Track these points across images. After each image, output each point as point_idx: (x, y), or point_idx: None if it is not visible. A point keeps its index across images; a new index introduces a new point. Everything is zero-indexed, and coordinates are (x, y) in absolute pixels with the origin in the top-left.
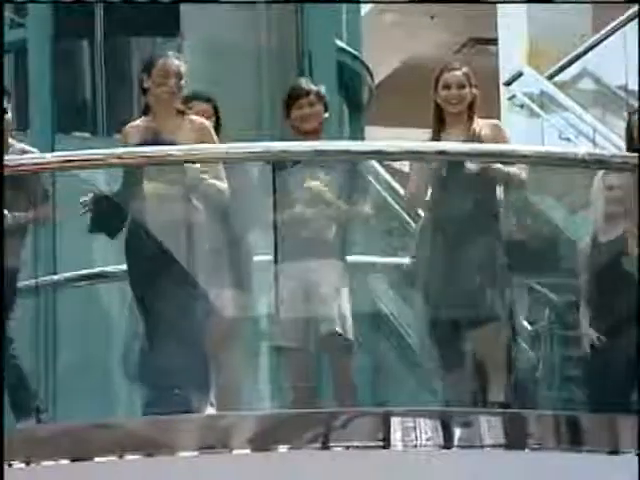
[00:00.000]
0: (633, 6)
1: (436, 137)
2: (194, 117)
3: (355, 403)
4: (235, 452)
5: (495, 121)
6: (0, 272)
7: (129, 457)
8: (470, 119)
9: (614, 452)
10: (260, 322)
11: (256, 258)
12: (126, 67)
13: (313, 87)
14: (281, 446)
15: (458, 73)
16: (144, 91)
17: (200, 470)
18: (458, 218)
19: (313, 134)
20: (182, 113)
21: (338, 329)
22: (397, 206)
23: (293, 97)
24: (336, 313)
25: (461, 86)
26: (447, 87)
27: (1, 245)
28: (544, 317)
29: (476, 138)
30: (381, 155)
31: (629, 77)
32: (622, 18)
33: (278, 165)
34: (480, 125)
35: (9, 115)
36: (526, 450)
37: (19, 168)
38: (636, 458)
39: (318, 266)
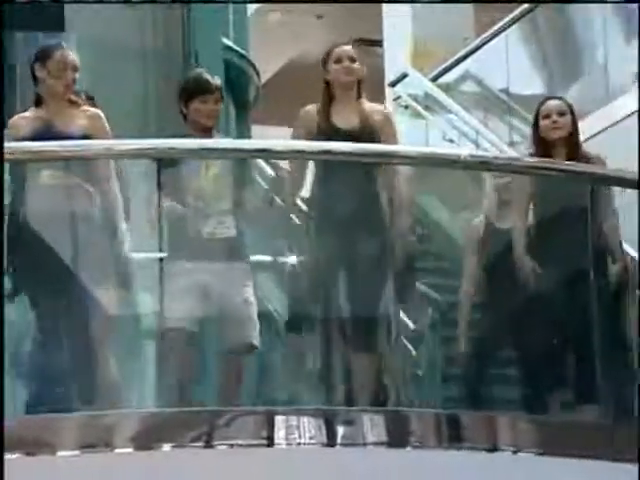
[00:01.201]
0: (515, 9)
1: (326, 115)
2: (88, 107)
3: (241, 402)
4: (117, 451)
5: (387, 110)
6: (0, 272)
7: (9, 456)
8: (359, 98)
9: (492, 450)
10: (145, 320)
11: (145, 255)
12: (9, 62)
13: (218, 83)
14: (164, 445)
15: (348, 48)
16: (35, 80)
17: (82, 469)
18: (341, 217)
19: (209, 131)
20: (75, 104)
21: (255, 341)
22: (283, 204)
23: (199, 90)
24: (250, 320)
25: (352, 59)
26: (339, 61)
27: (1, 245)
28: (427, 316)
29: (366, 120)
30: (268, 153)
31: (510, 80)
32: (504, 22)
33: (164, 162)
34: (371, 109)
35: None
36: (408, 448)
37: None
38: (512, 455)
39: (222, 267)
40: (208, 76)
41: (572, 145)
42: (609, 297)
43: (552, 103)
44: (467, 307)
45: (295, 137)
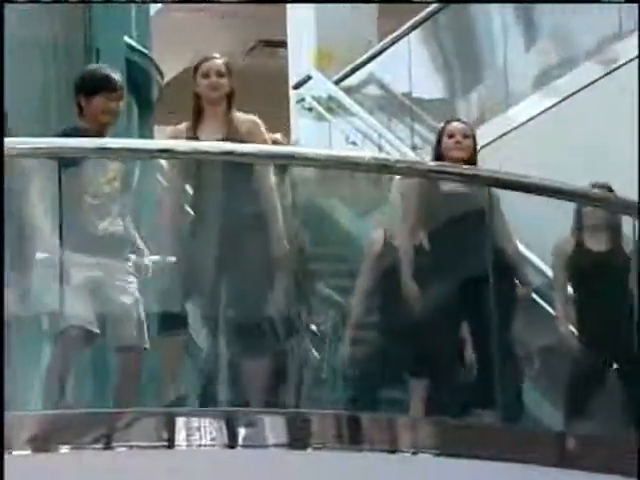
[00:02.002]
0: (416, 14)
1: (194, 129)
2: None
3: (139, 403)
4: (15, 453)
5: (253, 117)
6: (0, 273)
7: None
8: (228, 111)
9: (392, 451)
10: (44, 320)
11: (45, 255)
12: None
13: (121, 82)
14: (63, 447)
15: (218, 62)
16: None
17: None
18: (220, 218)
19: (107, 128)
20: None
21: (143, 341)
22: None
23: (105, 86)
24: (135, 321)
25: (220, 74)
26: (206, 76)
27: (1, 246)
28: (329, 318)
29: (234, 131)
30: (170, 154)
31: (413, 84)
32: (406, 26)
33: (64, 161)
34: (239, 119)
35: None
36: (308, 449)
37: None
38: (412, 456)
39: (113, 263)
40: (113, 73)
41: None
42: (506, 302)
43: (457, 124)
44: (357, 314)
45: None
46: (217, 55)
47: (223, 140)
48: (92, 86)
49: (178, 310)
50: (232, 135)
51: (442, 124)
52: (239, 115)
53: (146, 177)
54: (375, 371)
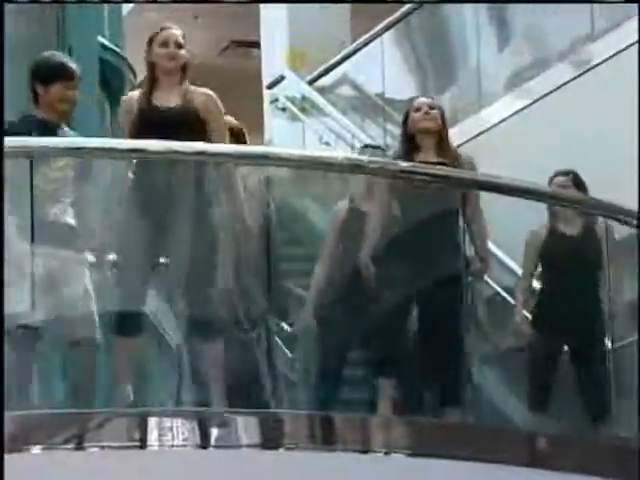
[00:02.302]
0: (390, 15)
1: (147, 96)
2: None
3: (110, 404)
4: None
5: (209, 91)
6: (0, 274)
7: None
8: (182, 81)
9: (365, 451)
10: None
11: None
12: None
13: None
14: (34, 447)
15: (177, 32)
16: None
17: None
18: (160, 213)
19: (65, 117)
20: None
21: (98, 336)
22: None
23: (65, 75)
24: (91, 314)
25: (179, 45)
26: (164, 45)
27: (1, 246)
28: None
29: (189, 101)
30: (142, 153)
31: (386, 85)
32: (380, 26)
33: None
34: (195, 90)
35: None
36: (281, 450)
37: None
38: (384, 456)
39: (65, 255)
40: (68, 61)
41: (441, 143)
42: (475, 301)
43: (423, 98)
44: (315, 295)
45: (120, 123)
46: (174, 25)
47: (180, 106)
48: (49, 74)
49: (149, 309)
50: (187, 106)
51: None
52: (193, 87)
53: (106, 172)
54: (340, 370)
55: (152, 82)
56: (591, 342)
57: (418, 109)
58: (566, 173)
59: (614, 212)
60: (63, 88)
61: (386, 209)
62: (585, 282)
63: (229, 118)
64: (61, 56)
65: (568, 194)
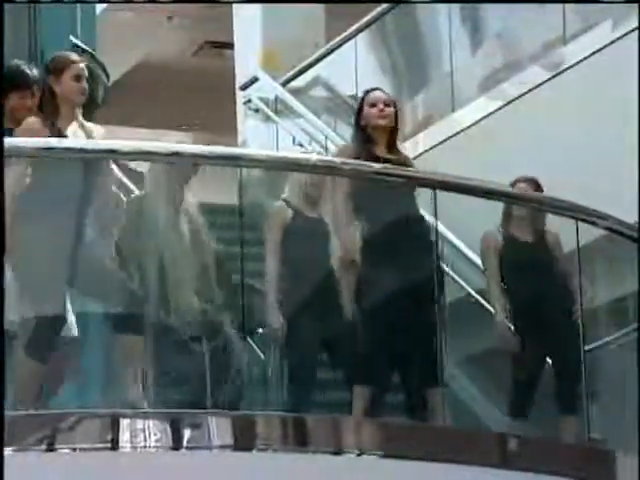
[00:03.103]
0: (364, 16)
1: (54, 127)
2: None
3: (83, 404)
4: None
5: (102, 128)
6: (0, 274)
7: None
8: (79, 116)
9: (337, 452)
10: None
11: None
12: None
13: (36, 75)
14: (6, 449)
15: (83, 65)
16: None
17: None
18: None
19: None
20: None
21: (76, 333)
22: None
23: (16, 85)
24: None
25: (87, 79)
26: (78, 79)
27: (1, 245)
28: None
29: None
30: (116, 154)
31: (359, 86)
32: (354, 27)
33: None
34: (91, 128)
35: None
36: (253, 451)
37: None
38: (356, 457)
39: None
40: (26, 68)
41: (392, 139)
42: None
43: (379, 93)
44: (272, 294)
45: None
46: (77, 56)
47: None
48: (5, 84)
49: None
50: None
51: (361, 95)
52: (89, 124)
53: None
54: (313, 371)
55: (54, 109)
56: (561, 346)
57: (374, 104)
58: (527, 180)
59: (584, 214)
60: (18, 98)
61: (344, 210)
62: (545, 286)
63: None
64: (17, 64)
65: (537, 196)
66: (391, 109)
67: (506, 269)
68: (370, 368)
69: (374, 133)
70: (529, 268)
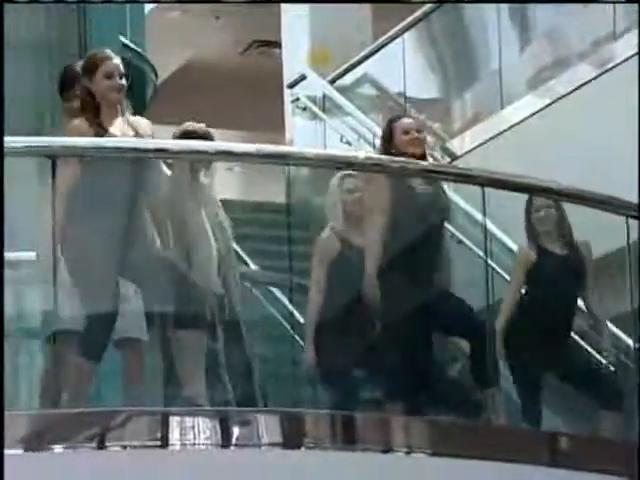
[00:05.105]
0: (411, 14)
1: (100, 126)
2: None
3: (139, 402)
4: (7, 452)
5: (146, 120)
6: (0, 274)
7: None
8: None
9: (386, 451)
10: (33, 319)
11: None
12: None
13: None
14: (56, 446)
15: (118, 61)
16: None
17: None
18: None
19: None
20: None
21: (143, 336)
22: None
23: (66, 85)
24: (137, 313)
25: (121, 75)
26: (110, 77)
27: (1, 245)
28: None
29: (136, 133)
30: (166, 153)
31: (407, 84)
32: (401, 25)
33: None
34: (136, 122)
35: None
36: (302, 449)
37: None
38: (405, 455)
39: None
40: (70, 68)
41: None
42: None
43: (409, 120)
44: (313, 320)
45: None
46: (109, 52)
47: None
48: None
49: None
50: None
51: (387, 122)
52: (132, 117)
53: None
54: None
55: (96, 109)
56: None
57: (406, 132)
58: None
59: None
60: (66, 100)
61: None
62: (569, 299)
63: (192, 123)
64: (67, 65)
65: (590, 193)
66: (423, 135)
67: (532, 282)
68: (417, 369)
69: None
70: (557, 281)
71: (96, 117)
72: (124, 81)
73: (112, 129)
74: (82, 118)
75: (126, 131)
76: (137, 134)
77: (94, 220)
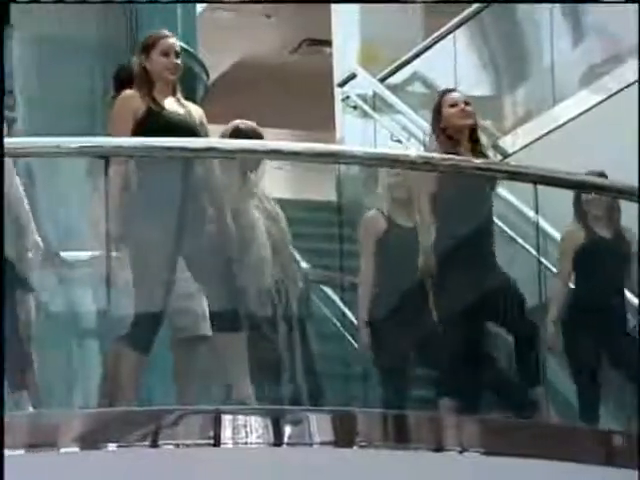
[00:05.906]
0: (462, 12)
1: (153, 100)
2: None
3: (192, 401)
4: (63, 450)
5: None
6: (0, 272)
7: None
8: (176, 91)
9: (438, 450)
10: (88, 319)
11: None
12: None
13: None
14: (110, 444)
15: (174, 40)
16: None
17: (27, 469)
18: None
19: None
20: None
21: (208, 332)
22: None
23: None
24: (201, 311)
25: (177, 55)
26: (167, 54)
27: (1, 244)
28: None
29: (188, 114)
30: (216, 152)
31: (458, 81)
32: (452, 23)
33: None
34: (189, 105)
35: None
36: (354, 448)
37: None
38: (458, 455)
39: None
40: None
41: (475, 137)
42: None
43: (456, 93)
44: (365, 304)
45: (116, 120)
46: (167, 32)
47: (184, 116)
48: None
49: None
50: (190, 114)
51: (437, 98)
52: (188, 102)
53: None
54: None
55: (150, 85)
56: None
57: (454, 104)
58: (598, 174)
59: None
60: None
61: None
62: (615, 283)
63: (242, 121)
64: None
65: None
66: (471, 107)
67: (581, 265)
68: (472, 364)
69: (457, 134)
70: (604, 265)
71: (149, 93)
72: (179, 60)
73: (164, 104)
74: (135, 90)
75: (177, 109)
76: (189, 115)
77: (153, 217)
